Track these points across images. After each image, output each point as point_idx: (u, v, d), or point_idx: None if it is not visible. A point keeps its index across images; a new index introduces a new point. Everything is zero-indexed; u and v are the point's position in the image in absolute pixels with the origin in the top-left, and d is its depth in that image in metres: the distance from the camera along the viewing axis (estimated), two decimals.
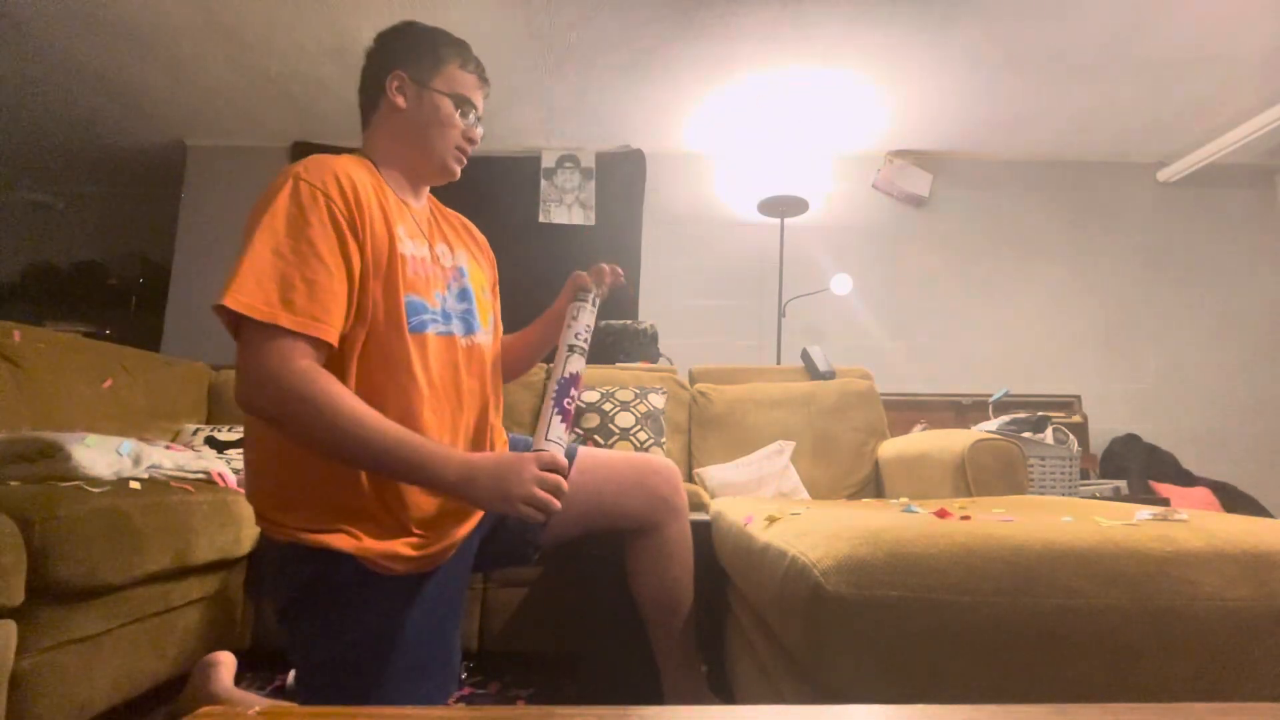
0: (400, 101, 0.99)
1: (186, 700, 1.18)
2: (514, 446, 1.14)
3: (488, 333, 1.06)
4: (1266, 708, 0.50)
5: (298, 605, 0.88)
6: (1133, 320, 3.16)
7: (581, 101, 2.93)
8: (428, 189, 1.08)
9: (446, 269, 1.01)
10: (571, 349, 1.00)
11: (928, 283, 3.21)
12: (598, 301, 1.07)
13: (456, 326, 0.99)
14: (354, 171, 0.91)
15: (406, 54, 1.00)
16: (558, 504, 0.82)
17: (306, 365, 0.79)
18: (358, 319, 0.87)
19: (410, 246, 0.94)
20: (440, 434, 0.94)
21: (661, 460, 1.19)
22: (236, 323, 0.80)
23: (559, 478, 0.83)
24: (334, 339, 0.83)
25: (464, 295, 1.03)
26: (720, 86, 2.77)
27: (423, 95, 0.99)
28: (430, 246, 1.00)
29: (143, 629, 1.21)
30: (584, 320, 1.04)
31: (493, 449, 1.05)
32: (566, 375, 0.96)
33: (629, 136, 3.20)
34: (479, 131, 1.04)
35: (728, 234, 3.25)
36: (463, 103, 1.01)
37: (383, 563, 0.86)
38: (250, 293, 0.78)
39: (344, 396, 0.79)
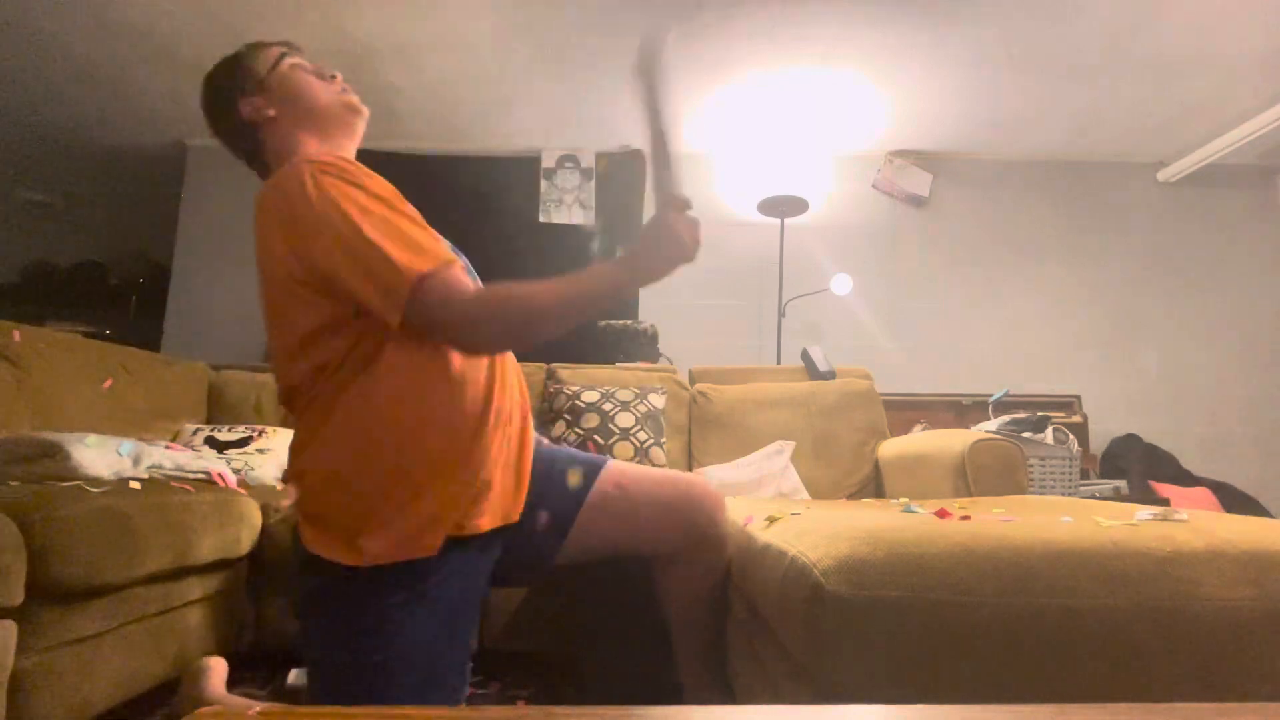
0: (270, 112, 0.97)
1: (178, 706, 1.18)
2: (545, 458, 1.06)
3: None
4: (1266, 708, 0.50)
5: (312, 606, 0.89)
6: (1133, 320, 3.16)
7: (582, 102, 2.93)
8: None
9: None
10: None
11: (928, 283, 3.21)
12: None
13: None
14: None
15: (235, 82, 0.99)
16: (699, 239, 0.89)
17: (473, 289, 0.83)
18: None
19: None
20: (498, 395, 0.93)
21: (701, 484, 1.09)
22: (400, 307, 0.78)
23: (695, 218, 0.90)
24: (453, 260, 0.84)
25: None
26: (720, 86, 2.77)
27: (270, 87, 0.97)
28: None
29: (143, 629, 1.21)
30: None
31: (528, 413, 1.02)
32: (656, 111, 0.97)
33: (629, 136, 3.20)
34: (325, 69, 1.02)
35: (728, 234, 3.25)
36: (293, 66, 0.99)
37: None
38: (401, 269, 0.78)
39: (519, 287, 0.84)
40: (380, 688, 0.85)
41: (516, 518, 0.94)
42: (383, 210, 0.83)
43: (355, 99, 1.01)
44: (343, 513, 0.85)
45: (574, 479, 1.05)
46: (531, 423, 1.04)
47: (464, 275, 0.84)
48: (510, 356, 1.00)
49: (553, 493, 1.04)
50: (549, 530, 1.03)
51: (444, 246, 0.87)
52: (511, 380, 0.98)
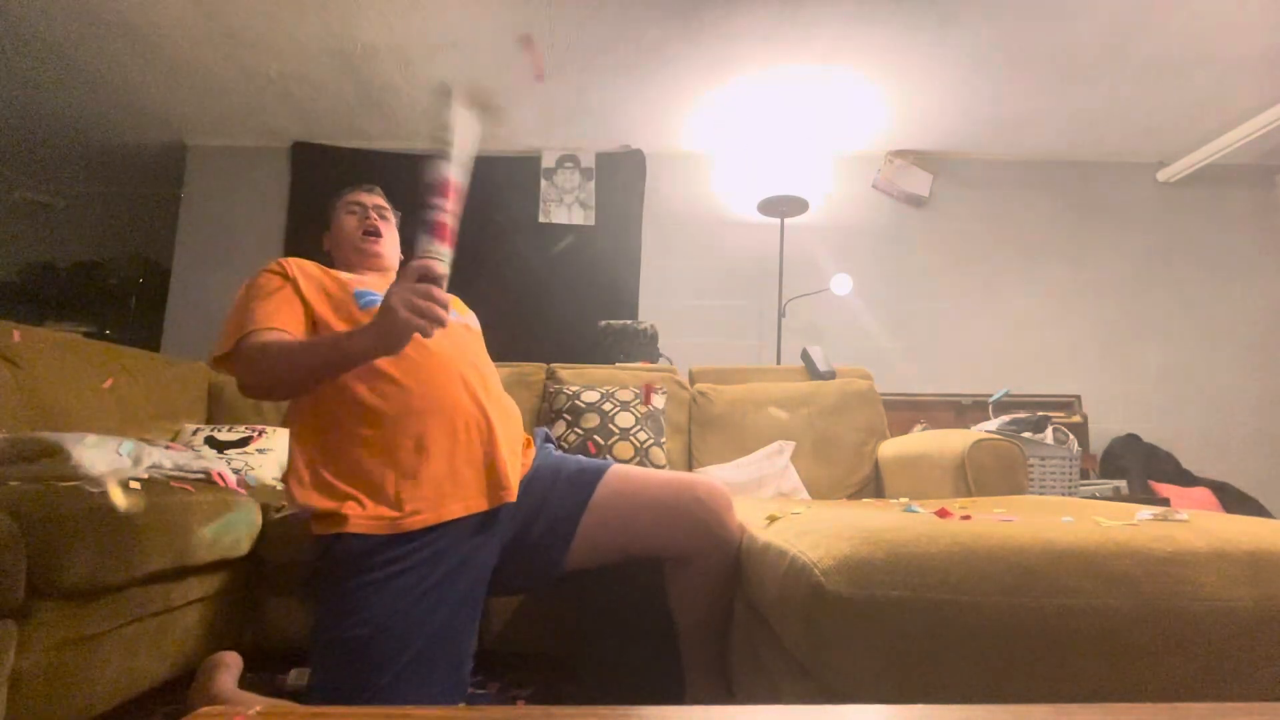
0: (327, 246, 1.37)
1: (190, 700, 1.18)
2: (551, 465, 1.16)
3: (464, 319, 1.25)
4: (1266, 708, 0.50)
5: (315, 583, 0.97)
6: (1133, 320, 3.16)
7: (581, 101, 2.93)
8: (386, 274, 1.31)
9: None
10: (439, 153, 0.92)
11: (928, 283, 3.21)
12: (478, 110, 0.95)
13: None
14: (296, 258, 1.19)
15: (325, 219, 1.38)
16: (438, 309, 0.87)
17: (254, 340, 1.01)
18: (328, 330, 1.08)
19: (359, 278, 1.20)
20: (432, 386, 1.06)
21: (706, 484, 1.10)
22: (216, 357, 1.07)
23: (429, 286, 0.87)
24: (279, 325, 1.04)
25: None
26: (720, 86, 2.77)
27: (331, 226, 1.35)
28: None
29: (143, 629, 1.21)
30: (454, 122, 0.92)
31: (490, 414, 1.10)
32: (430, 181, 0.90)
33: (629, 136, 3.20)
34: (371, 207, 1.33)
35: (728, 234, 3.25)
36: (348, 209, 1.32)
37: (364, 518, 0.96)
38: (220, 344, 1.06)
39: (276, 342, 1.00)
40: (367, 664, 0.89)
41: (485, 507, 1.02)
42: (255, 293, 1.09)
43: (368, 244, 1.29)
44: (320, 493, 0.99)
45: (576, 485, 1.09)
46: (509, 428, 1.12)
47: (262, 338, 1.02)
48: (467, 370, 1.11)
49: (556, 499, 1.09)
50: (554, 536, 1.07)
51: (274, 317, 1.05)
52: (460, 389, 1.08)
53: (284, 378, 1.00)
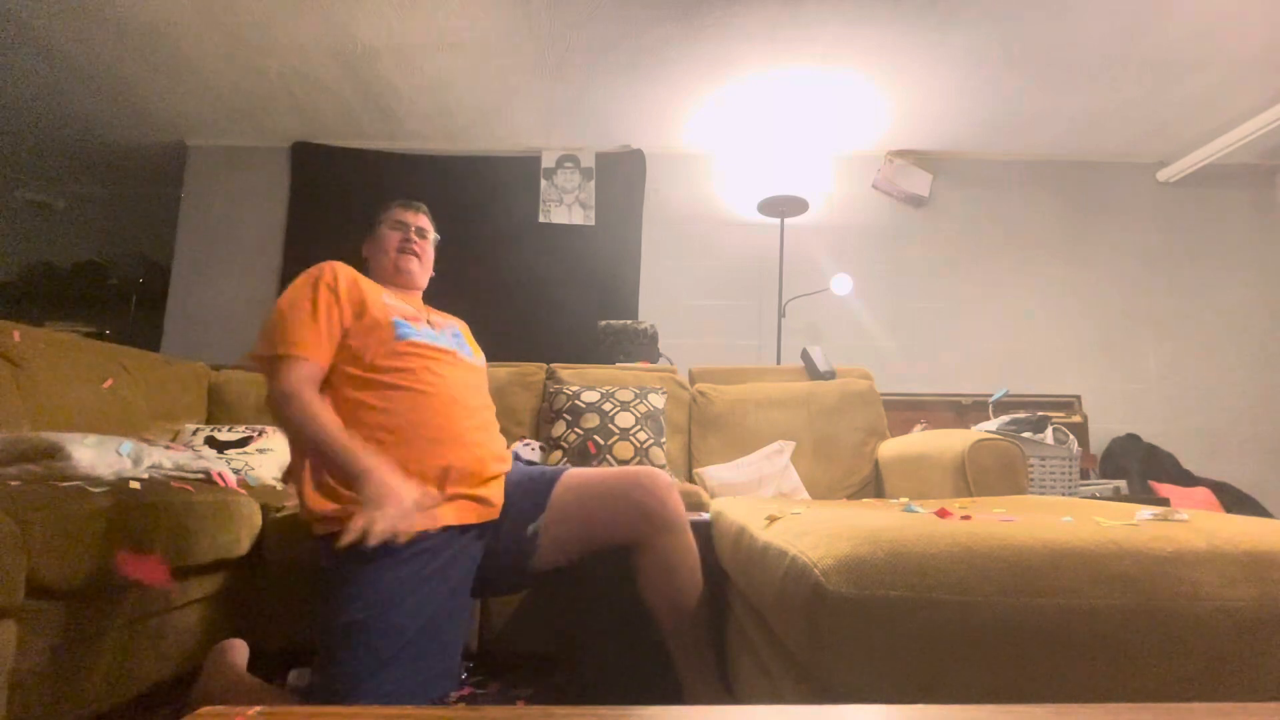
0: (365, 253, 1.43)
1: (200, 687, 1.19)
2: (518, 474, 1.27)
3: (479, 361, 1.37)
4: (1266, 708, 0.50)
5: (320, 577, 1.07)
6: (1133, 320, 3.16)
7: (581, 101, 2.93)
8: (413, 293, 1.40)
9: (435, 324, 1.33)
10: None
11: (928, 283, 3.21)
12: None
13: (445, 341, 1.28)
14: (348, 269, 1.27)
15: (368, 224, 1.45)
16: (390, 533, 0.97)
17: (294, 381, 1.10)
18: (347, 345, 1.18)
19: (395, 301, 1.27)
20: (440, 411, 1.17)
21: (648, 473, 1.19)
22: (260, 359, 1.15)
23: (406, 527, 0.99)
24: (315, 357, 1.14)
25: (455, 334, 1.36)
26: (720, 86, 2.77)
27: (372, 236, 1.41)
28: (420, 315, 1.31)
29: (143, 629, 1.21)
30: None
31: (483, 442, 1.22)
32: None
33: (629, 136, 3.21)
34: (414, 228, 1.39)
35: (728, 234, 3.25)
36: (392, 224, 1.39)
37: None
38: (261, 344, 1.15)
39: (313, 404, 1.09)
40: (367, 646, 0.96)
41: (473, 521, 1.13)
42: (306, 305, 1.17)
43: (406, 261, 1.37)
44: (326, 497, 1.10)
45: (537, 487, 1.22)
46: (498, 453, 1.24)
47: (298, 368, 1.12)
48: (465, 402, 1.22)
49: (519, 502, 1.21)
50: (520, 535, 1.19)
51: (313, 346, 1.14)
52: (458, 420, 1.19)
53: (292, 433, 1.14)
